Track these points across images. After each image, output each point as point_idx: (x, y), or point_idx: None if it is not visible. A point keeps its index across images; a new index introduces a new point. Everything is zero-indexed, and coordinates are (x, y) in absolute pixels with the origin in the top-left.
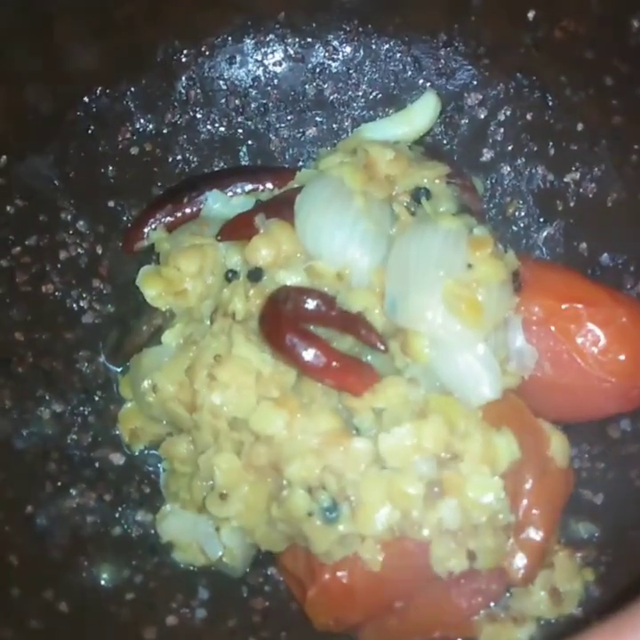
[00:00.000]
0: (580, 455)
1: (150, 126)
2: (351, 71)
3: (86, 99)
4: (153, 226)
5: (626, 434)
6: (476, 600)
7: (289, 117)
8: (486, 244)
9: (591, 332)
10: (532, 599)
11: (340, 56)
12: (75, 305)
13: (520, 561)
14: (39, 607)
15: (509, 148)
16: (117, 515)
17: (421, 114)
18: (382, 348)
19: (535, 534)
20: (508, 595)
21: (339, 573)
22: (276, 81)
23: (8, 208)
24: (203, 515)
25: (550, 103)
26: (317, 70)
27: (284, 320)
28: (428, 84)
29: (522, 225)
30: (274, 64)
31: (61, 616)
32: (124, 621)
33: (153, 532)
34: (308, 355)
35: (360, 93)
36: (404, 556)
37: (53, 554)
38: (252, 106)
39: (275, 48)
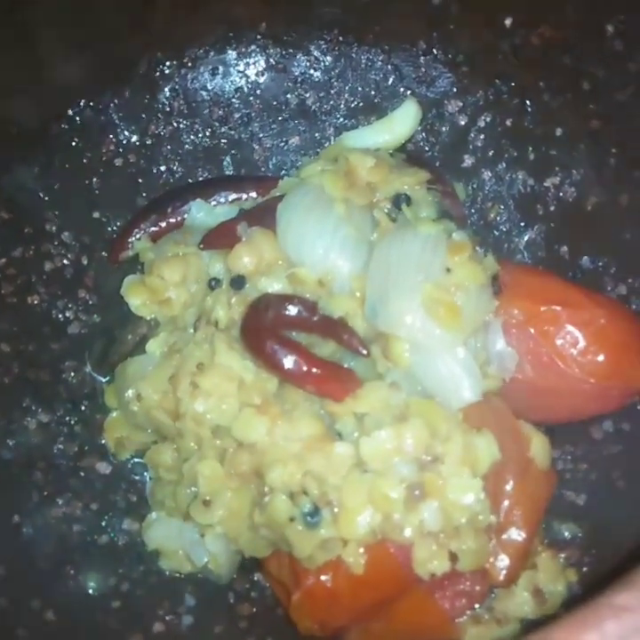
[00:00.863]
0: (562, 456)
1: (134, 138)
2: (333, 80)
3: (70, 111)
4: (137, 236)
5: (608, 435)
6: (459, 602)
7: (272, 127)
8: (464, 249)
9: (570, 334)
10: (516, 600)
11: (322, 65)
12: (60, 315)
13: (502, 562)
14: (26, 616)
15: (490, 153)
16: (104, 523)
17: (402, 121)
18: (364, 352)
19: (517, 535)
20: (491, 596)
21: (322, 577)
22: (258, 91)
23: None
24: (188, 522)
25: (529, 109)
26: (299, 80)
27: (264, 328)
28: (409, 92)
29: (503, 229)
30: (256, 74)
31: (49, 625)
32: (112, 629)
33: (139, 540)
34: (289, 362)
35: (342, 102)
36: (387, 559)
37: (40, 563)
38: (236, 116)
39: (257, 58)
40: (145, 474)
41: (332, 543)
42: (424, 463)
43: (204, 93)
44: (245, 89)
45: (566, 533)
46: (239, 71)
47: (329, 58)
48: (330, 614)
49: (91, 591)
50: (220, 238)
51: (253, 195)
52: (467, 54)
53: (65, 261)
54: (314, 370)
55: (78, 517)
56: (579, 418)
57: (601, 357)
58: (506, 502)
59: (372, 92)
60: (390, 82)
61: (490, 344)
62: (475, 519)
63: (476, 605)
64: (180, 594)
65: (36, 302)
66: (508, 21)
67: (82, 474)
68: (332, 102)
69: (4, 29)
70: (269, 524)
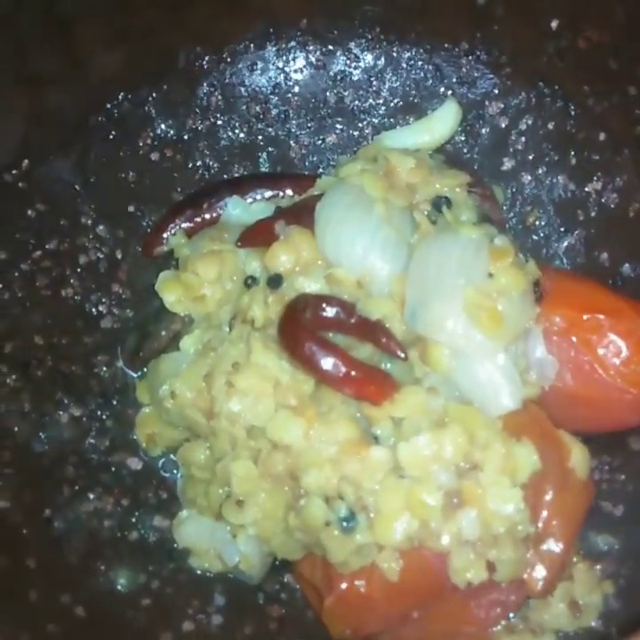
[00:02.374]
0: (600, 467)
1: (171, 132)
2: (372, 79)
3: (108, 104)
4: (172, 231)
5: None
6: (494, 611)
7: (309, 124)
8: (507, 254)
9: (613, 343)
10: (551, 611)
11: (362, 63)
12: (94, 309)
13: (539, 572)
14: (56, 611)
15: (530, 157)
16: (134, 519)
17: (442, 122)
18: (402, 356)
19: (555, 546)
20: (526, 606)
21: (356, 582)
22: (296, 88)
23: (29, 212)
24: (220, 521)
25: (572, 112)
26: (338, 77)
27: (302, 328)
28: (450, 93)
29: (542, 234)
30: (295, 71)
31: (78, 621)
32: (141, 627)
33: (170, 537)
34: (327, 363)
35: (381, 101)
36: (423, 567)
37: (70, 558)
38: (273, 112)
39: (296, 55)
40: (175, 471)
41: (368, 549)
42: (462, 470)
43: (242, 89)
44: (284, 85)
45: (603, 545)
46: (278, 67)
47: (369, 56)
48: (363, 620)
49: (120, 588)
50: (258, 236)
51: (290, 193)
52: (510, 56)
53: (99, 255)
54: (352, 372)
55: (109, 513)
56: (618, 428)
57: None
58: (544, 513)
59: (412, 92)
60: (430, 82)
61: (530, 351)
62: (514, 529)
63: (511, 615)
64: (209, 593)
65: (69, 295)
66: (554, 23)
67: (113, 469)
68: (370, 101)
69: (44, 22)
70: (304, 528)
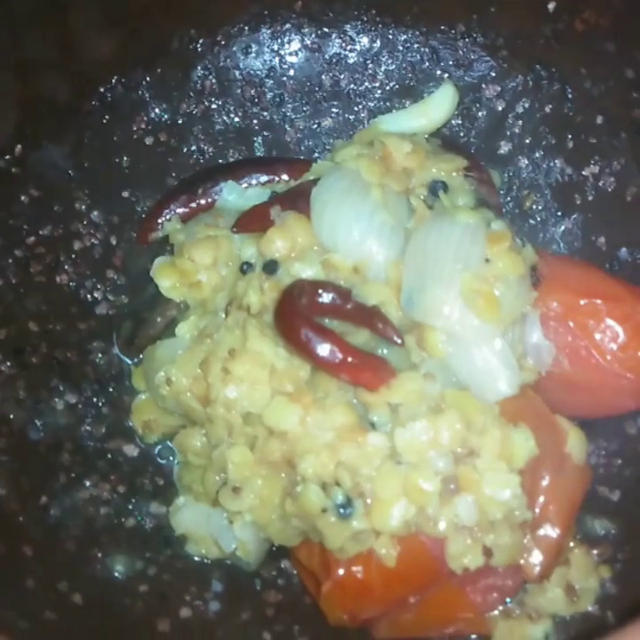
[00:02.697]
0: (596, 452)
1: (165, 116)
2: (368, 62)
3: (101, 88)
4: (167, 217)
5: None
6: (491, 596)
7: (305, 108)
8: (504, 239)
9: (610, 328)
10: (548, 596)
11: (357, 46)
12: (89, 296)
13: (536, 558)
14: (53, 599)
15: (527, 140)
16: (131, 506)
17: (439, 106)
18: (399, 341)
19: (551, 531)
20: (523, 591)
21: (354, 568)
22: (291, 71)
23: (22, 198)
24: (216, 508)
25: (569, 95)
26: (334, 61)
27: (298, 314)
28: (446, 76)
29: (539, 219)
30: (290, 54)
31: (75, 608)
32: (138, 613)
33: (166, 524)
34: (324, 350)
35: (377, 84)
36: (420, 552)
37: (67, 545)
38: (268, 96)
39: (291, 38)
40: (172, 458)
41: (365, 535)
42: (459, 456)
43: (236, 72)
44: (279, 69)
45: (600, 529)
46: (273, 50)
47: (365, 39)
48: (360, 605)
49: (117, 574)
50: (253, 222)
51: (285, 177)
52: (507, 38)
53: (94, 241)
54: (349, 358)
55: (105, 500)
56: (615, 413)
57: None
58: (541, 498)
59: (409, 75)
60: (427, 65)
61: (527, 336)
62: (511, 515)
63: (508, 600)
64: (207, 579)
65: (64, 282)
66: (551, 5)
67: (109, 456)
68: (366, 84)
69: (37, 7)
70: (301, 514)
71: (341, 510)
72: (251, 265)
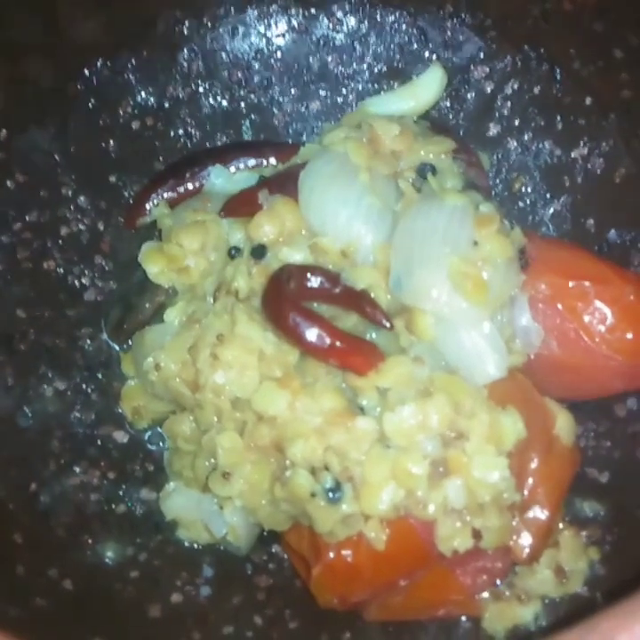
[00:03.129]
0: (585, 434)
1: (151, 100)
2: (356, 43)
3: (87, 71)
4: (155, 202)
5: (632, 412)
6: (480, 578)
7: (292, 91)
8: (492, 222)
9: (598, 310)
10: (537, 578)
11: (345, 28)
12: (76, 282)
13: (525, 540)
14: (44, 585)
15: (516, 122)
16: (121, 493)
17: (427, 87)
18: (388, 325)
19: (540, 513)
20: (513, 573)
21: (343, 552)
22: (279, 53)
23: (8, 183)
24: (207, 493)
25: (558, 76)
26: (321, 42)
27: (286, 299)
28: (434, 57)
29: (528, 201)
30: (277, 36)
31: (66, 594)
32: (129, 599)
33: (157, 509)
34: (312, 334)
35: (365, 66)
36: (409, 535)
37: (58, 532)
38: (255, 79)
39: (278, 19)
40: (161, 444)
41: (354, 519)
42: (448, 439)
43: (223, 55)
44: (266, 51)
45: (589, 511)
46: (259, 32)
47: (352, 20)
48: (350, 589)
49: (108, 561)
50: (241, 206)
51: (273, 161)
52: (495, 19)
53: (81, 226)
54: (337, 343)
55: (95, 486)
56: (604, 395)
57: (629, 335)
58: (530, 480)
59: (397, 57)
60: (415, 46)
61: (516, 319)
62: (499, 497)
63: (498, 582)
64: (198, 564)
65: (51, 268)
66: None
67: (99, 442)
68: (354, 66)
69: None
70: (290, 499)
71: (330, 494)
72: (239, 249)
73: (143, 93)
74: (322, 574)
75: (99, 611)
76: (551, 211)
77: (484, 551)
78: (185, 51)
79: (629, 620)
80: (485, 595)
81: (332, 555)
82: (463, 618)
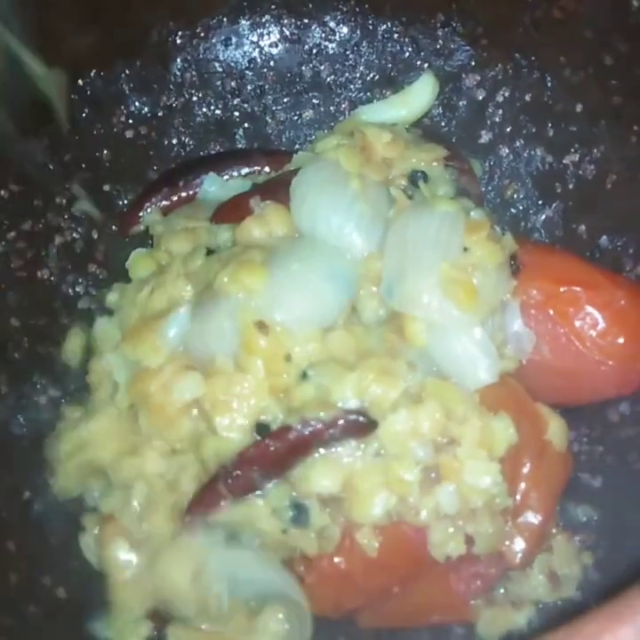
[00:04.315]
0: (578, 439)
1: (145, 109)
2: (348, 52)
3: (80, 81)
4: (148, 210)
5: (625, 417)
6: (474, 584)
7: (285, 99)
8: (483, 227)
9: (590, 315)
10: (531, 583)
11: (337, 37)
12: (70, 290)
13: (518, 545)
14: (37, 593)
15: (508, 129)
16: None
17: (419, 95)
18: None
19: (533, 518)
20: (506, 578)
21: (336, 559)
22: (272, 62)
23: (2, 192)
24: None
25: (549, 84)
26: (314, 51)
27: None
28: (426, 65)
29: (520, 207)
30: (270, 45)
31: (60, 601)
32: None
33: None
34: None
35: (357, 75)
36: (402, 542)
37: (50, 540)
38: (248, 88)
39: (271, 29)
40: None
41: (328, 529)
42: (440, 445)
43: (216, 64)
44: (259, 60)
45: (582, 516)
46: (252, 42)
47: (345, 29)
48: (343, 596)
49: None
50: (232, 212)
51: (266, 169)
52: (486, 27)
53: (75, 235)
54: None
55: None
56: (596, 400)
57: (620, 340)
58: (522, 485)
59: (389, 65)
60: (407, 54)
61: (507, 325)
62: (492, 502)
63: (491, 588)
64: None
65: (45, 276)
66: None
67: None
68: (347, 75)
69: None
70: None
71: (298, 521)
72: (212, 251)
73: (137, 103)
74: (315, 582)
75: (93, 618)
76: (543, 217)
77: (477, 557)
78: (178, 60)
79: (614, 622)
80: (479, 600)
81: (324, 562)
82: (457, 624)
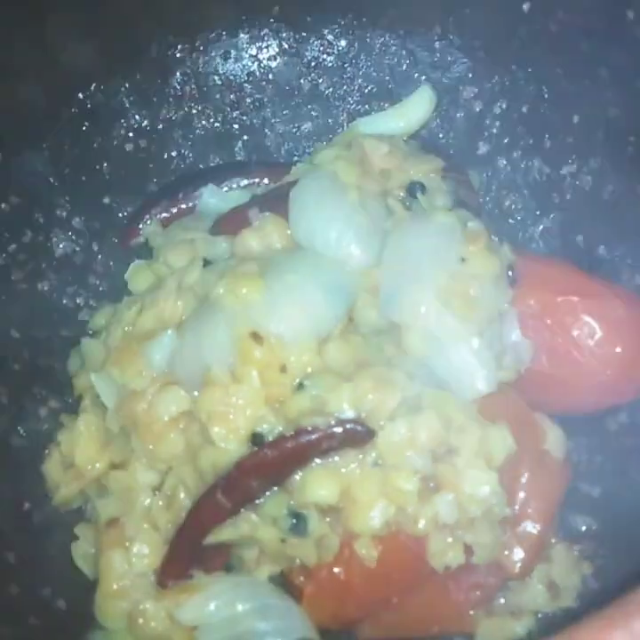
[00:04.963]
0: (577, 448)
1: (145, 122)
2: (346, 65)
3: (81, 95)
4: (148, 222)
5: (623, 426)
6: (473, 594)
7: (284, 112)
8: (480, 238)
9: (587, 325)
10: (530, 593)
11: (335, 50)
12: (71, 302)
13: (517, 554)
14: (37, 605)
15: (505, 140)
16: None
17: (417, 107)
18: None
19: (532, 527)
20: (505, 588)
21: (335, 570)
22: (270, 76)
23: (3, 205)
24: None
25: (546, 95)
26: (312, 64)
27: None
28: (424, 78)
29: (518, 218)
30: (269, 59)
31: (59, 613)
32: None
33: None
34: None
35: (355, 87)
36: (401, 551)
37: (50, 551)
38: (247, 101)
39: (269, 42)
40: None
41: (328, 538)
42: (438, 455)
43: (215, 77)
44: (257, 73)
45: (581, 526)
46: (251, 55)
47: (343, 42)
48: (343, 606)
49: None
50: (232, 224)
51: (266, 181)
52: (483, 40)
53: (75, 247)
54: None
55: None
56: (594, 409)
57: (618, 349)
58: (521, 494)
59: (387, 78)
60: (405, 67)
61: (505, 335)
62: (490, 512)
63: (490, 597)
64: None
65: (46, 288)
66: (525, 6)
67: None
68: (345, 87)
69: (14, 11)
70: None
71: (297, 530)
72: (209, 262)
73: (137, 116)
74: (314, 593)
75: (92, 630)
76: (541, 227)
77: (476, 566)
78: (178, 74)
79: (608, 627)
80: (478, 610)
81: (323, 573)
82: (456, 634)
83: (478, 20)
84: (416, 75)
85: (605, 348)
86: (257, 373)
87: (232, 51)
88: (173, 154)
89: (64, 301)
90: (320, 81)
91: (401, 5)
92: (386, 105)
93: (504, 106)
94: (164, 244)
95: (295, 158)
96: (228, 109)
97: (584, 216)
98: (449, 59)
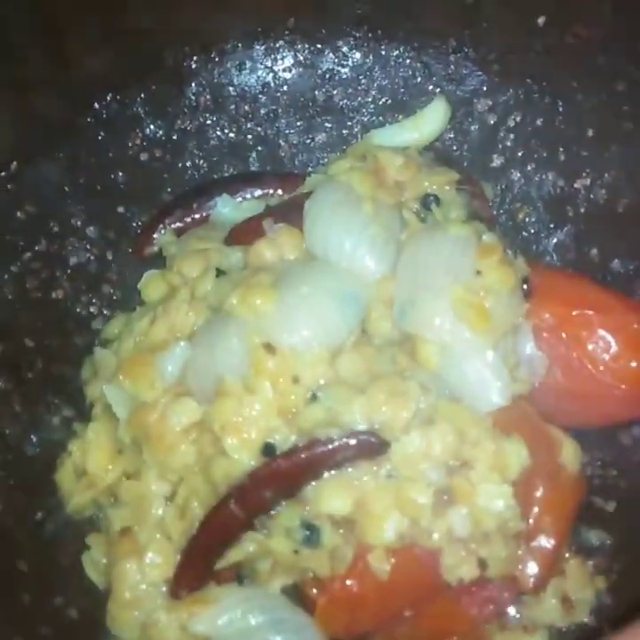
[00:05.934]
0: (591, 462)
1: (160, 132)
2: (361, 77)
3: (96, 105)
4: (162, 231)
5: (638, 441)
6: (486, 608)
7: (298, 123)
8: (495, 251)
9: (602, 339)
10: (544, 607)
11: (350, 62)
12: (84, 311)
13: (531, 569)
14: (49, 613)
15: (520, 153)
16: None
17: (431, 120)
18: None
19: (546, 542)
20: (519, 603)
21: (348, 582)
22: (285, 87)
23: (18, 214)
24: None
25: (561, 109)
26: (327, 76)
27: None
28: (438, 90)
29: (532, 231)
30: (283, 70)
31: (71, 622)
32: None
33: None
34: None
35: (370, 99)
36: (415, 565)
37: (62, 560)
38: (262, 112)
39: (284, 54)
40: None
41: (340, 550)
42: (453, 468)
43: (230, 88)
44: (272, 85)
45: (595, 540)
46: (266, 67)
47: (357, 54)
48: (355, 619)
49: None
50: (246, 234)
51: (279, 191)
52: (498, 53)
53: (89, 256)
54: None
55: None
56: (609, 423)
57: (633, 363)
58: (535, 509)
59: (401, 90)
60: (419, 79)
61: (520, 348)
62: (504, 526)
63: (504, 612)
64: None
65: (60, 297)
66: (541, 20)
67: None
68: (359, 99)
69: (31, 22)
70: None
71: (310, 541)
72: (223, 272)
73: (152, 126)
74: (327, 605)
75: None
76: (555, 240)
77: (489, 580)
78: (193, 85)
79: None
80: (492, 624)
81: (336, 585)
82: None
83: (494, 33)
84: (430, 87)
85: (620, 362)
86: (270, 384)
87: (247, 62)
88: (188, 164)
89: (78, 310)
90: (334, 92)
91: (416, 18)
92: (400, 117)
93: (518, 119)
94: (178, 253)
95: (309, 169)
96: (243, 120)
97: (598, 229)
98: (464, 71)
